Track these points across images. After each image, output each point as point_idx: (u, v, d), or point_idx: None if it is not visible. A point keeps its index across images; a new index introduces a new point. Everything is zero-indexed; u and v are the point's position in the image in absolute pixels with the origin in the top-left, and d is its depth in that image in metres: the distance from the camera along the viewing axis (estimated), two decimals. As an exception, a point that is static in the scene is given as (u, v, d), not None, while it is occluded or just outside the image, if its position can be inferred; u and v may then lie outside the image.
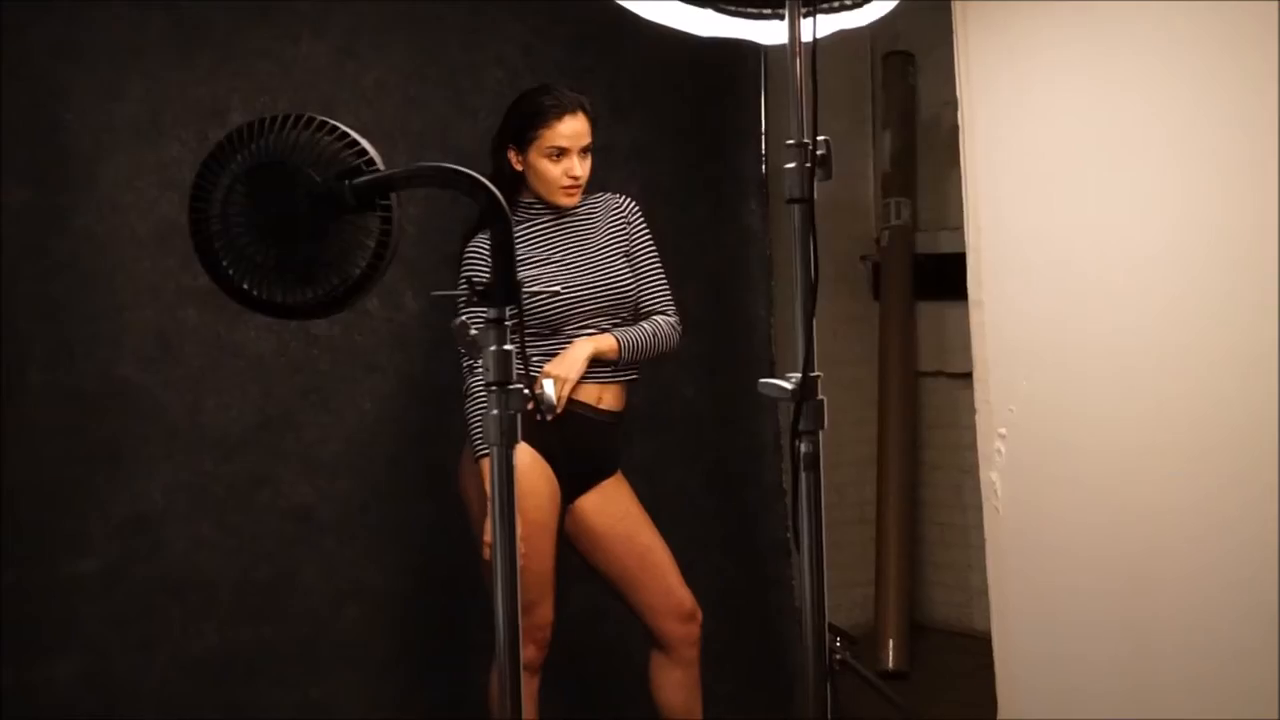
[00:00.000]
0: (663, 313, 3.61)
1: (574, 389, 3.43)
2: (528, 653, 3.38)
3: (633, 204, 3.64)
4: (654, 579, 3.57)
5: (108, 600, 3.50)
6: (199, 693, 3.61)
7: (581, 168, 3.48)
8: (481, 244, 3.42)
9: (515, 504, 2.09)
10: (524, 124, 3.47)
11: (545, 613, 3.46)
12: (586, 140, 3.48)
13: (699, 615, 3.59)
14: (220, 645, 3.64)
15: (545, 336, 3.44)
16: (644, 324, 3.57)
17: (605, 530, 3.54)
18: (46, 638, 3.45)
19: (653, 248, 3.63)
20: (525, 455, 3.33)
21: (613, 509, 3.56)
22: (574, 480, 3.50)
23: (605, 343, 3.48)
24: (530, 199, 3.52)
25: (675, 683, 3.61)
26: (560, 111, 3.45)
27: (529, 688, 3.48)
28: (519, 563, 2.07)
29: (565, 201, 3.50)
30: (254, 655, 3.69)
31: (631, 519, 3.58)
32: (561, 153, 3.45)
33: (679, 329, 3.62)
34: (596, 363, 3.46)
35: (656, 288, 3.61)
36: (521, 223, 3.52)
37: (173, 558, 3.58)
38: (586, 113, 3.48)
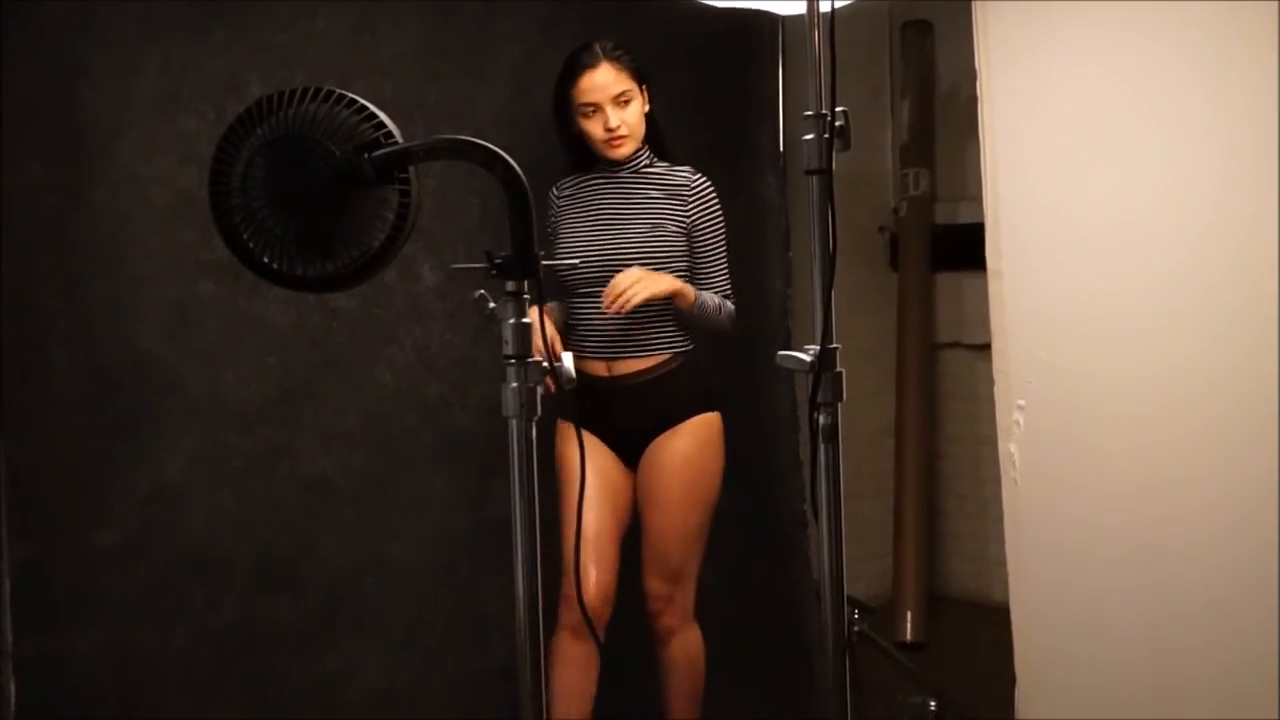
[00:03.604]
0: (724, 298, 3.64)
1: (617, 365, 3.53)
2: (573, 613, 3.45)
3: (705, 185, 3.61)
4: (655, 530, 3.60)
5: (128, 573, 3.52)
6: (219, 664, 3.62)
7: (619, 118, 3.49)
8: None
9: (535, 477, 2.10)
10: (561, 88, 3.54)
11: (603, 578, 3.53)
12: (616, 90, 3.48)
13: (684, 584, 3.61)
14: (240, 617, 3.65)
15: (555, 296, 3.53)
16: (715, 295, 3.60)
17: (647, 485, 3.59)
18: (67, 610, 3.46)
19: (718, 234, 3.62)
20: (588, 438, 3.55)
21: (662, 463, 3.58)
22: (634, 444, 3.59)
23: (687, 287, 3.52)
24: (600, 156, 3.58)
25: (665, 670, 3.66)
26: (581, 68, 3.48)
27: (577, 651, 3.51)
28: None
29: (614, 154, 3.53)
30: (274, 627, 3.70)
31: (674, 483, 3.58)
32: (594, 108, 3.47)
33: (735, 321, 3.66)
34: (635, 338, 3.53)
35: (715, 272, 3.62)
36: (588, 177, 3.62)
37: (193, 530, 3.60)
38: (613, 61, 3.48)
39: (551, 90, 3.60)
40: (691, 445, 3.56)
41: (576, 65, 3.48)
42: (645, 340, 3.52)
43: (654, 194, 3.55)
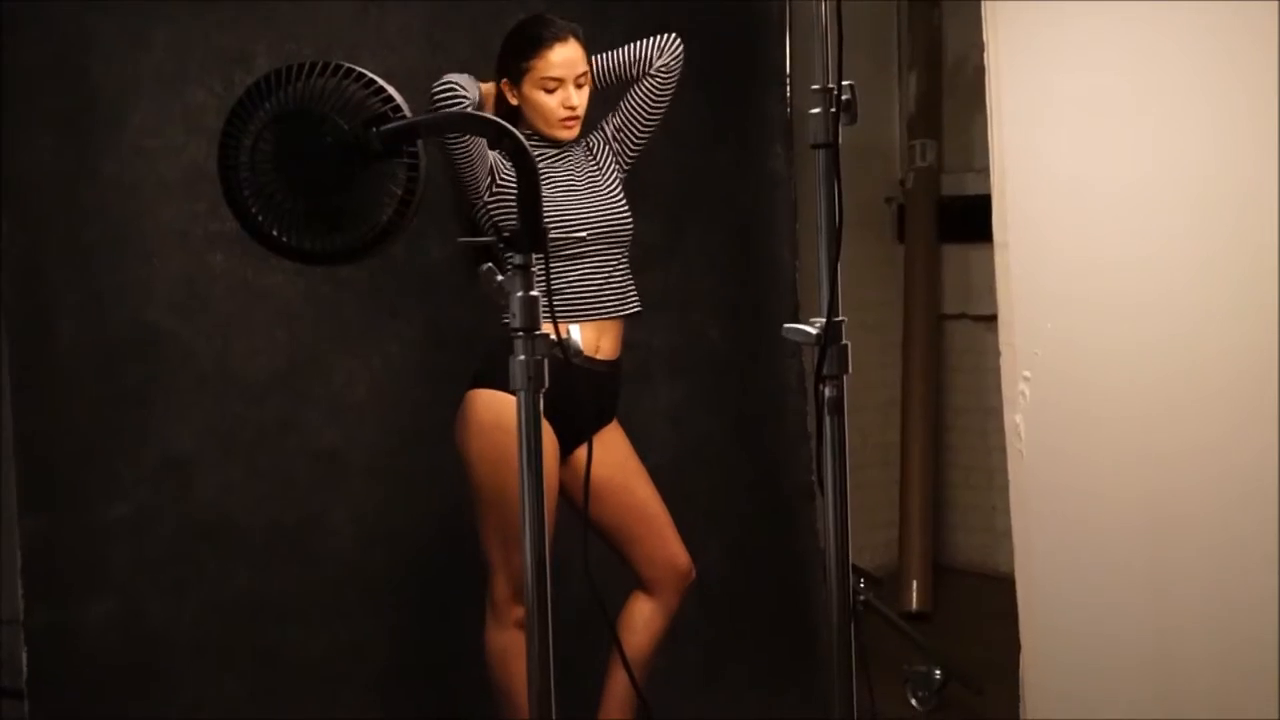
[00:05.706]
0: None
1: (606, 331, 3.40)
2: (521, 610, 3.22)
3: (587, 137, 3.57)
4: (652, 531, 3.52)
5: (139, 544, 3.54)
6: (229, 635, 3.64)
7: (578, 98, 3.38)
8: None
9: (541, 448, 2.11)
10: (516, 55, 3.38)
11: None
12: (581, 69, 3.38)
13: (693, 572, 3.55)
14: (250, 588, 3.68)
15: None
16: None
17: (604, 481, 3.44)
18: (78, 582, 3.49)
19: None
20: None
21: (610, 459, 3.47)
22: (571, 433, 3.38)
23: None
24: (528, 133, 3.43)
25: (646, 623, 3.52)
26: (552, 40, 3.34)
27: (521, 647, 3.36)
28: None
29: (564, 135, 3.41)
30: (283, 598, 3.72)
31: (628, 470, 3.53)
32: (557, 83, 3.37)
33: (678, 42, 3.52)
34: (595, 296, 3.41)
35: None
36: (537, 155, 3.45)
37: (203, 502, 3.62)
38: (580, 40, 3.39)
39: None
40: (625, 439, 3.57)
41: (542, 37, 3.36)
42: (632, 290, 3.48)
43: (600, 155, 3.52)
